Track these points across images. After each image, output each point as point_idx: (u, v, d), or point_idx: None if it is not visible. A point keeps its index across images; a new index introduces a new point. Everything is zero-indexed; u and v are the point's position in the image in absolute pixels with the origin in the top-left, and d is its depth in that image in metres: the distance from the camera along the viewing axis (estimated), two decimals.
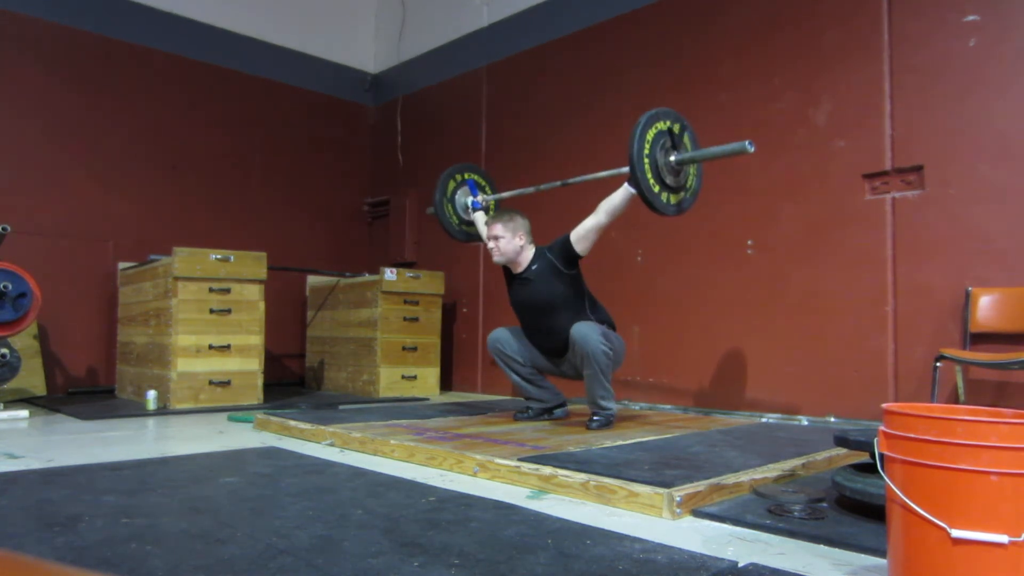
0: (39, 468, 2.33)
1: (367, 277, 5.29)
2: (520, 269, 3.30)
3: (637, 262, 4.50)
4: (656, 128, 2.83)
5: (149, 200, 5.36)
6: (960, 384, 3.17)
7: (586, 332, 3.02)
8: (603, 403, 3.11)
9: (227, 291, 4.32)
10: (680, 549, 1.50)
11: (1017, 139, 3.16)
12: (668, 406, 4.24)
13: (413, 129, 6.34)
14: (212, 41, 5.78)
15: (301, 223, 6.20)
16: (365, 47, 6.83)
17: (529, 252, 3.29)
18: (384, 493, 1.99)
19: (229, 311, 4.31)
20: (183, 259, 4.16)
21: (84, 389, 4.99)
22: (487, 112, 5.63)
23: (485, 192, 3.83)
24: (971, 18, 3.29)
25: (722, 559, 1.44)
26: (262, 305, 4.45)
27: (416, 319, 5.24)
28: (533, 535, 1.58)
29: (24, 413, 3.70)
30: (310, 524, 1.64)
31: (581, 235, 3.10)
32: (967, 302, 3.20)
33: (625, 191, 2.92)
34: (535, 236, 3.36)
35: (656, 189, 2.83)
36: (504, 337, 3.40)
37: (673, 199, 2.92)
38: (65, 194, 4.98)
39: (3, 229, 3.64)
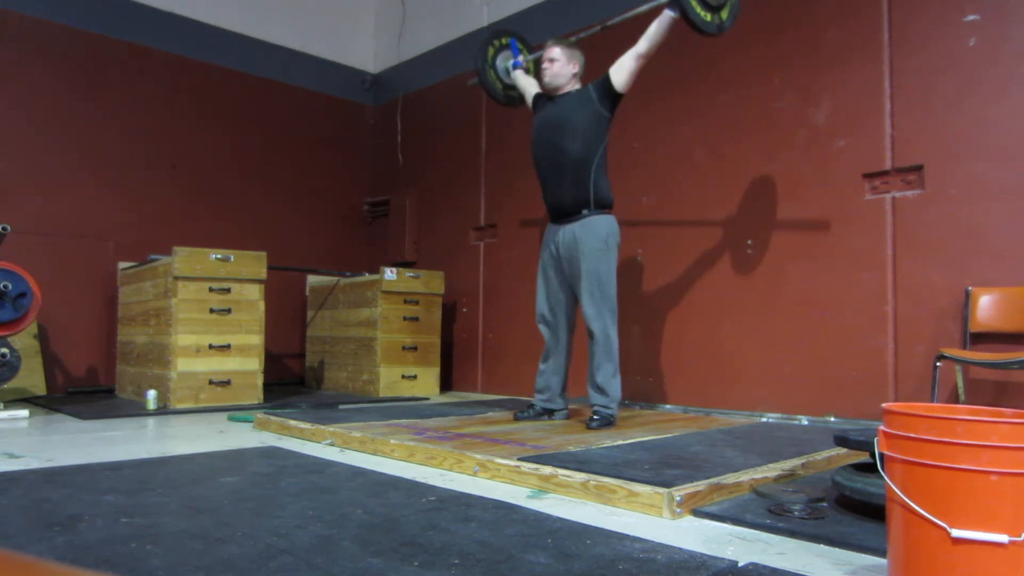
0: (39, 468, 2.33)
1: (367, 277, 5.29)
2: (558, 95, 3.41)
3: (637, 261, 4.50)
4: None
5: (149, 200, 5.36)
6: (960, 384, 3.17)
7: (597, 314, 3.15)
8: (606, 388, 3.15)
9: (227, 291, 4.32)
10: (680, 549, 1.50)
11: (1017, 139, 3.15)
12: (668, 405, 4.24)
13: (413, 129, 6.34)
14: (212, 41, 5.78)
15: (301, 223, 6.19)
16: (365, 47, 6.83)
17: (575, 85, 3.43)
18: (384, 493, 2.00)
19: (229, 311, 4.31)
20: (183, 259, 4.16)
21: (84, 389, 4.99)
22: (487, 112, 5.62)
23: (525, 54, 3.94)
24: (971, 18, 3.29)
25: (722, 559, 1.44)
26: (262, 305, 4.45)
27: (416, 319, 5.24)
28: (533, 535, 1.58)
29: (24, 413, 3.70)
30: (310, 524, 1.64)
31: (619, 66, 3.20)
32: (967, 302, 3.20)
33: (666, 17, 2.99)
34: None
35: (699, 10, 2.89)
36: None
37: (719, 17, 2.97)
38: (65, 194, 4.98)
39: (3, 229, 3.64)
